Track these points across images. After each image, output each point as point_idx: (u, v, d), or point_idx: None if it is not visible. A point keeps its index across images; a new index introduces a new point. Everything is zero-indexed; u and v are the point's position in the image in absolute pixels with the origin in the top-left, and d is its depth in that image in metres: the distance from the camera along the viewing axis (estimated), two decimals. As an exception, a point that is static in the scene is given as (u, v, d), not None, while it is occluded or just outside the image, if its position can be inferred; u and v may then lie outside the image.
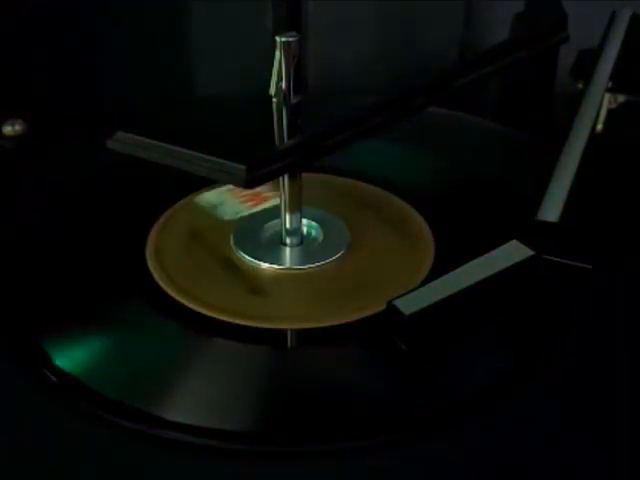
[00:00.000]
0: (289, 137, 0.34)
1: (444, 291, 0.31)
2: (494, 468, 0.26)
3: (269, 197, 0.37)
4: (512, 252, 0.33)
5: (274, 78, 0.33)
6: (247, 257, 0.35)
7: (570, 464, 0.26)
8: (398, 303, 0.31)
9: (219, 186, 0.39)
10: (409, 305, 0.31)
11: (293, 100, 0.33)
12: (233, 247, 0.36)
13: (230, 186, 0.39)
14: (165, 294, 0.33)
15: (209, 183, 0.39)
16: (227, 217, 0.36)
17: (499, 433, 0.27)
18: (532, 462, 0.26)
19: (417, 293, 0.32)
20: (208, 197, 0.37)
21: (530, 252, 0.33)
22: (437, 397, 0.29)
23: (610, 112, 0.45)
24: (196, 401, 0.29)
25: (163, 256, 0.36)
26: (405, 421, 0.28)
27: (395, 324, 0.31)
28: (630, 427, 0.27)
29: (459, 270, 0.32)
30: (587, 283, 0.33)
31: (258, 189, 0.35)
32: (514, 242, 0.34)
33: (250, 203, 0.36)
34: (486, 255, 0.33)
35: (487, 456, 0.26)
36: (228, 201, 0.36)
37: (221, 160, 0.31)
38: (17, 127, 0.44)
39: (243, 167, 0.30)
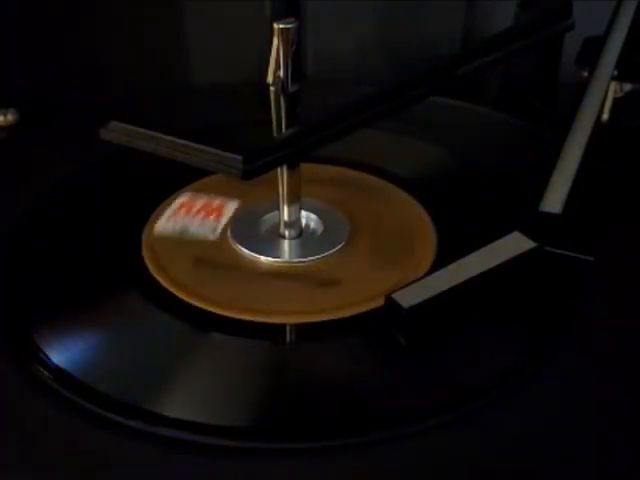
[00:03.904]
0: (287, 126, 0.33)
1: (444, 284, 0.31)
2: (494, 466, 0.26)
3: (223, 204, 0.36)
4: (514, 244, 0.33)
5: (272, 66, 0.32)
6: (245, 250, 0.35)
7: (570, 464, 0.26)
8: (397, 296, 0.31)
9: (166, 210, 0.37)
10: (408, 298, 0.30)
11: (291, 89, 0.32)
12: (230, 240, 0.36)
13: (176, 206, 0.37)
14: (162, 288, 0.33)
15: (207, 174, 0.39)
16: (210, 239, 0.35)
17: (499, 431, 0.27)
18: (532, 461, 0.26)
19: (417, 286, 0.31)
20: (166, 225, 0.36)
21: (532, 244, 0.33)
22: (436, 393, 0.28)
23: (616, 101, 0.45)
24: (193, 397, 0.28)
25: (159, 250, 0.35)
26: (404, 416, 0.27)
27: (394, 317, 0.31)
28: (630, 426, 0.27)
29: (460, 262, 0.32)
30: (589, 275, 0.33)
31: (202, 200, 0.35)
32: (516, 234, 0.33)
33: (213, 217, 0.35)
34: (488, 247, 0.33)
35: (486, 454, 0.26)
36: (189, 223, 0.35)
37: (218, 151, 0.30)
38: (9, 117, 0.43)
39: (240, 158, 0.30)
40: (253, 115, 0.34)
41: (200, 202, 0.35)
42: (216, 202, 0.35)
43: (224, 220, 0.35)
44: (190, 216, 0.35)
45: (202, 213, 0.35)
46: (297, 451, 0.26)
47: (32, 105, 0.45)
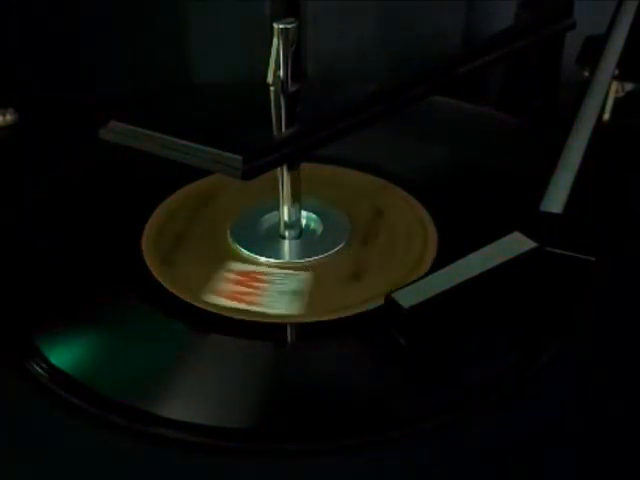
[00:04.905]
0: (287, 126, 0.33)
1: (444, 284, 0.31)
2: (494, 467, 0.26)
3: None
4: (514, 244, 0.33)
5: (272, 66, 0.32)
6: (245, 251, 0.35)
7: (570, 464, 0.26)
8: (397, 296, 0.30)
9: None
10: (408, 298, 0.30)
11: (291, 89, 0.32)
12: (231, 241, 0.36)
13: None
14: (161, 289, 0.33)
15: (206, 175, 0.39)
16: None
17: (499, 432, 0.26)
18: (532, 462, 0.26)
19: (417, 285, 0.31)
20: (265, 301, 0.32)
21: (533, 244, 0.33)
22: (437, 394, 0.28)
23: (617, 100, 0.45)
24: (193, 399, 0.28)
25: (159, 251, 0.35)
26: (404, 419, 0.27)
27: (394, 317, 0.31)
28: (631, 427, 0.27)
29: (460, 262, 0.32)
30: (590, 276, 0.33)
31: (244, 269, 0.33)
32: (516, 234, 0.33)
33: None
34: (488, 247, 0.33)
35: (487, 455, 0.26)
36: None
37: (217, 151, 0.30)
38: (8, 117, 0.43)
39: (239, 158, 0.30)
40: (253, 115, 0.34)
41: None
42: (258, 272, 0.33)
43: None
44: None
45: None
46: (297, 452, 0.26)
47: (31, 105, 0.45)
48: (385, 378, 0.29)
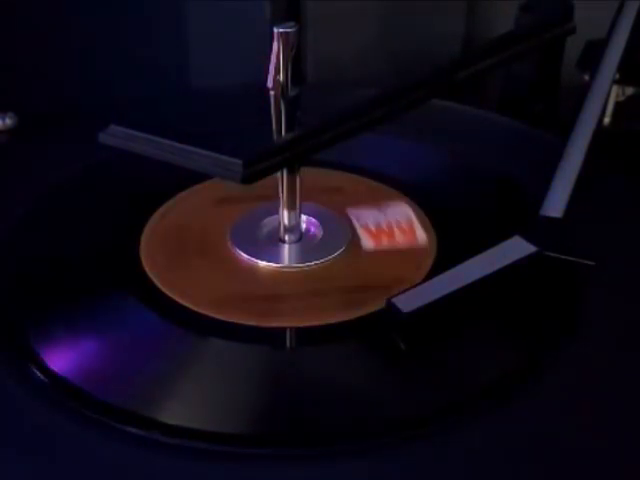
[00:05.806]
0: (287, 131, 0.33)
1: (444, 288, 0.31)
2: (494, 468, 0.26)
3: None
4: (515, 248, 0.33)
5: (271, 70, 0.32)
6: (244, 255, 0.35)
7: (569, 465, 0.26)
8: (397, 301, 0.30)
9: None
10: (408, 303, 0.30)
11: (291, 93, 0.32)
12: (230, 244, 0.36)
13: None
14: (160, 293, 0.33)
15: (206, 178, 0.39)
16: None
17: (499, 433, 0.26)
18: (532, 462, 0.26)
19: (417, 290, 0.31)
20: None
21: (533, 248, 0.33)
22: (437, 397, 0.28)
23: (617, 105, 0.45)
24: (192, 403, 0.28)
25: (158, 255, 0.35)
26: (404, 421, 0.27)
27: (394, 322, 0.31)
28: (632, 428, 0.27)
29: (460, 267, 0.32)
30: (590, 280, 0.33)
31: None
32: (517, 238, 0.33)
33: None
34: (488, 251, 0.33)
35: (486, 456, 0.26)
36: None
37: (217, 155, 0.30)
38: (8, 121, 0.43)
39: (240, 162, 0.30)
40: (253, 118, 0.34)
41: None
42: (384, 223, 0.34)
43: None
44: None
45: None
46: (296, 457, 0.26)
47: (31, 108, 0.45)
48: (385, 382, 0.29)
